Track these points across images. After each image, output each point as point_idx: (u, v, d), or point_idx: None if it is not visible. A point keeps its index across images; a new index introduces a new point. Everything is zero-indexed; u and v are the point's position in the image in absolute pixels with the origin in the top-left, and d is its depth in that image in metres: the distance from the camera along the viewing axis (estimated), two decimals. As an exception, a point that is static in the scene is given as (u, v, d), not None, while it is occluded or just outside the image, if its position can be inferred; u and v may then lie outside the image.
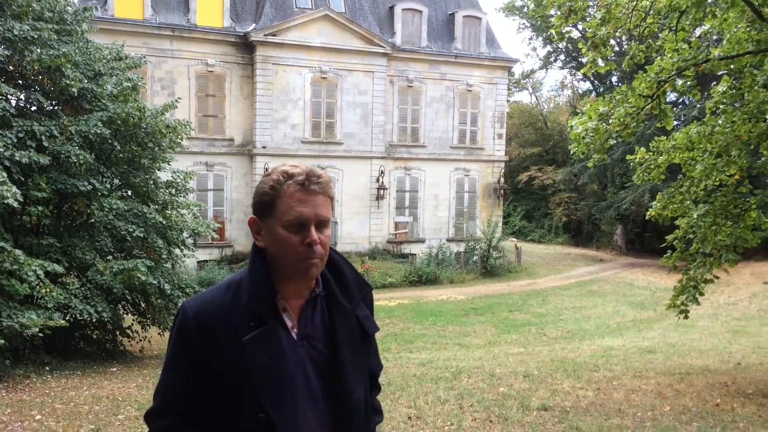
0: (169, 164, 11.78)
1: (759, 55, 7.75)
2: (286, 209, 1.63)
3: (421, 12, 27.55)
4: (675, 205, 8.87)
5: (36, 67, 9.53)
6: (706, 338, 14.63)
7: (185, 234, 11.67)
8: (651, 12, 8.14)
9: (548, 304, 21.33)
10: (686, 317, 8.79)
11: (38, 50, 9.45)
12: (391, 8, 27.46)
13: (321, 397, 1.71)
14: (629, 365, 10.13)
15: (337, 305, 1.77)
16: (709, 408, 7.10)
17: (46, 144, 9.30)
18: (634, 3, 7.92)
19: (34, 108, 10.11)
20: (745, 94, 8.12)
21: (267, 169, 24.14)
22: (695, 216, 8.51)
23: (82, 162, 9.59)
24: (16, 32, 9.12)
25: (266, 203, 1.66)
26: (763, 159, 8.59)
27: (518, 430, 6.15)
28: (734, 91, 8.34)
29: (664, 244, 9.10)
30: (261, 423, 1.63)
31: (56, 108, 10.26)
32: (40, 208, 9.15)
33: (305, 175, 1.65)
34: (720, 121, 8.24)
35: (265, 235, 1.69)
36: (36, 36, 9.32)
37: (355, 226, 26.09)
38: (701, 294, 8.47)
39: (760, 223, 8.62)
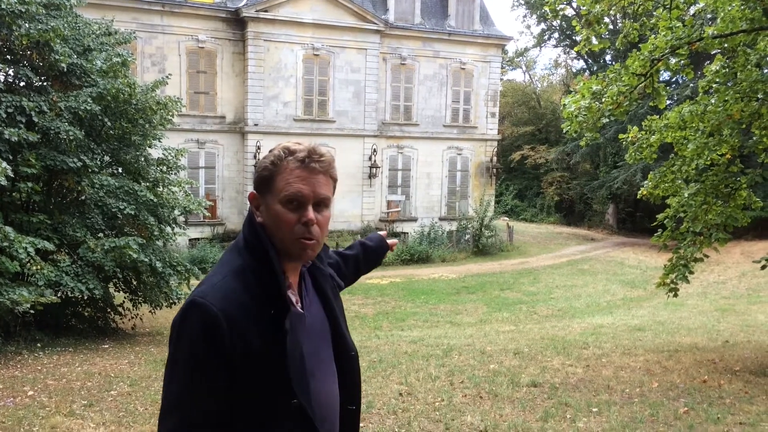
0: (160, 141, 11.70)
1: (752, 33, 7.73)
2: (284, 185, 1.60)
3: (414, -12, 27.30)
4: (666, 185, 8.90)
5: (24, 42, 9.39)
6: (695, 316, 14.77)
7: (176, 212, 11.62)
8: (645, -11, 8.09)
9: (539, 282, 21.46)
10: (676, 295, 8.86)
11: (26, 24, 9.31)
12: (385, -16, 27.21)
13: (328, 360, 1.77)
14: (618, 343, 10.22)
15: (318, 269, 1.83)
16: (696, 384, 7.19)
17: (35, 120, 9.21)
18: (629, -20, 7.87)
19: (22, 83, 9.99)
20: (738, 73, 8.11)
21: (259, 147, 24.08)
22: (686, 195, 8.54)
23: (71, 138, 9.51)
24: (3, 6, 8.97)
25: (266, 178, 1.63)
26: (754, 138, 8.61)
27: (508, 405, 6.21)
28: (727, 70, 8.32)
29: (655, 223, 9.15)
30: (293, 410, 1.59)
31: (45, 83, 10.15)
32: (30, 184, 9.08)
33: (307, 152, 1.62)
34: (713, 100, 8.24)
35: (263, 211, 1.66)
36: (24, 10, 9.16)
37: (347, 205, 26.06)
38: (691, 272, 8.54)
39: (751, 203, 8.67)
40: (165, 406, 1.56)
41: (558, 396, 6.59)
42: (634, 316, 15.27)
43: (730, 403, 6.38)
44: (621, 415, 5.91)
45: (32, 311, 8.54)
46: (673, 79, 30.68)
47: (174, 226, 11.68)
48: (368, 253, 2.42)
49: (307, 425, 1.61)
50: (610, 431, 5.46)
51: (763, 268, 8.58)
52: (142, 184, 10.89)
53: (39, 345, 9.24)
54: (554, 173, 40.36)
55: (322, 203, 1.64)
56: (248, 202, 1.72)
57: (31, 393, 6.62)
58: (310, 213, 1.60)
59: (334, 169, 1.68)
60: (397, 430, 5.45)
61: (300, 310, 1.70)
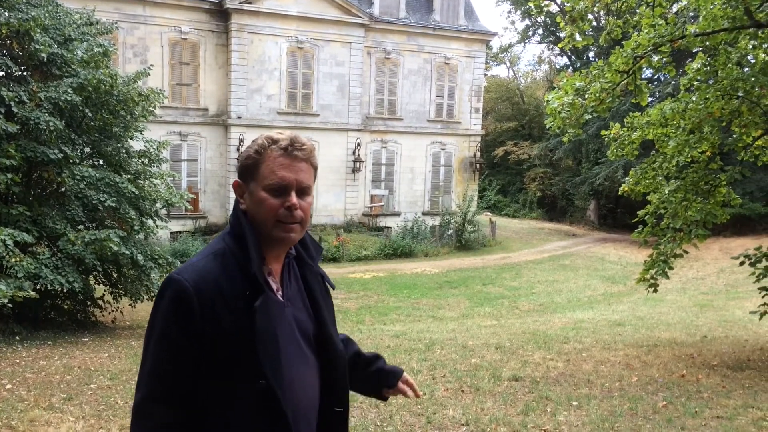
0: (141, 133, 11.58)
1: (734, 32, 7.81)
2: (268, 173, 1.67)
3: (399, -17, 27.24)
4: (647, 181, 8.99)
5: (4, 31, 9.25)
6: (674, 312, 14.95)
7: (158, 204, 11.53)
8: (629, -13, 8.13)
9: (521, 277, 21.58)
10: (655, 291, 8.96)
11: (6, 14, 9.17)
12: (369, -22, 27.14)
13: (308, 355, 1.78)
14: (599, 337, 10.32)
15: (307, 266, 1.86)
16: (675, 379, 7.27)
17: (15, 110, 9.08)
18: (613, -23, 7.92)
19: (2, 73, 9.84)
20: (719, 72, 8.20)
21: (242, 140, 23.95)
22: (666, 192, 8.63)
23: (52, 129, 9.39)
24: (-19, -6, 8.84)
25: (250, 166, 1.70)
26: (734, 136, 8.72)
27: (489, 399, 6.25)
28: (708, 68, 8.41)
29: (635, 219, 9.24)
30: (260, 390, 1.62)
31: (25, 73, 10.01)
32: (9, 175, 8.95)
33: (289, 140, 1.69)
34: (694, 98, 8.32)
35: (247, 198, 1.72)
36: (3, -2, 9.05)
37: (330, 199, 26.02)
38: (671, 268, 8.64)
39: (730, 200, 8.78)
40: (138, 376, 1.67)
41: (539, 390, 6.64)
42: (614, 311, 15.42)
43: (707, 397, 6.46)
44: (601, 409, 5.97)
45: (10, 304, 8.43)
46: (656, 77, 30.93)
47: (155, 218, 11.59)
48: (376, 370, 2.12)
49: (275, 408, 1.62)
50: (590, 425, 5.51)
51: (741, 264, 8.69)
52: (124, 176, 10.78)
53: (17, 338, 9.14)
54: (537, 169, 40.55)
55: (304, 191, 1.71)
56: (232, 192, 1.74)
57: (9, 386, 6.54)
58: (294, 198, 1.67)
59: (314, 157, 1.76)
60: (378, 423, 5.47)
61: (279, 298, 1.72)
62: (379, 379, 2.12)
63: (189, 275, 1.62)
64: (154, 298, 1.67)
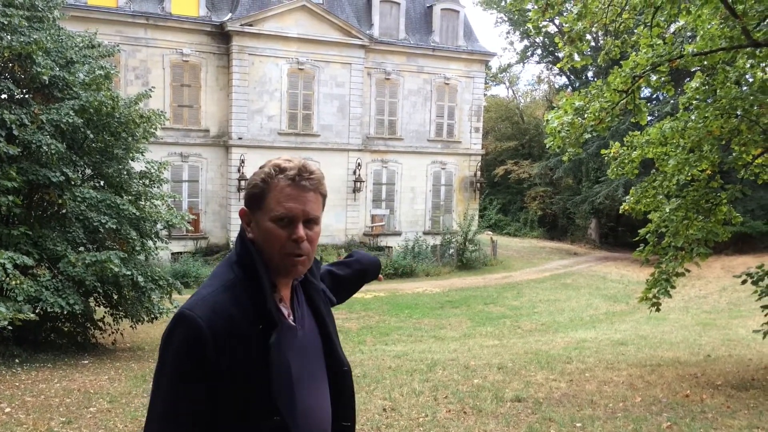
0: (143, 155, 11.62)
1: (732, 51, 7.86)
2: (275, 204, 1.62)
3: (398, 4, 27.48)
4: (648, 200, 8.99)
5: (6, 54, 9.32)
6: (677, 331, 14.87)
7: (159, 225, 11.53)
8: (627, 7, 8.21)
9: (523, 297, 21.50)
10: (658, 310, 8.92)
11: (8, 37, 9.24)
12: (369, 0, 27.37)
13: (321, 376, 1.77)
14: (601, 357, 10.25)
15: (311, 283, 1.82)
16: (678, 399, 7.22)
17: (16, 133, 9.11)
18: (610, -2, 7.99)
19: (4, 96, 9.90)
20: (718, 90, 8.24)
21: (243, 161, 24.02)
22: (667, 210, 8.63)
23: (53, 151, 9.41)
24: (-15, 18, 8.91)
25: (256, 195, 1.65)
26: (734, 154, 8.74)
27: (492, 421, 6.19)
28: (707, 87, 8.46)
29: (636, 238, 9.23)
30: (275, 427, 1.58)
31: (27, 96, 10.06)
32: (10, 198, 8.96)
33: (297, 170, 1.64)
34: (693, 117, 8.35)
35: (254, 227, 1.67)
36: (6, 22, 9.10)
37: (331, 219, 26.00)
38: (673, 287, 8.61)
39: (731, 218, 8.78)
40: (148, 417, 1.58)
41: (542, 411, 6.58)
42: (616, 330, 15.34)
43: (712, 418, 6.40)
44: (604, 430, 5.91)
45: (10, 327, 8.40)
46: (654, 96, 31.07)
47: (156, 240, 11.59)
48: (361, 272, 2.45)
49: None
50: (594, 446, 5.45)
51: (743, 282, 8.66)
52: (125, 197, 10.79)
53: (17, 361, 9.09)
54: (537, 188, 40.62)
55: (311, 221, 1.66)
56: (236, 218, 1.71)
57: (8, 410, 6.49)
58: (301, 231, 1.62)
59: (323, 186, 1.71)
60: (380, 446, 5.41)
61: (292, 322, 1.70)
62: (364, 277, 2.46)
63: (201, 311, 1.55)
64: (165, 335, 1.59)
